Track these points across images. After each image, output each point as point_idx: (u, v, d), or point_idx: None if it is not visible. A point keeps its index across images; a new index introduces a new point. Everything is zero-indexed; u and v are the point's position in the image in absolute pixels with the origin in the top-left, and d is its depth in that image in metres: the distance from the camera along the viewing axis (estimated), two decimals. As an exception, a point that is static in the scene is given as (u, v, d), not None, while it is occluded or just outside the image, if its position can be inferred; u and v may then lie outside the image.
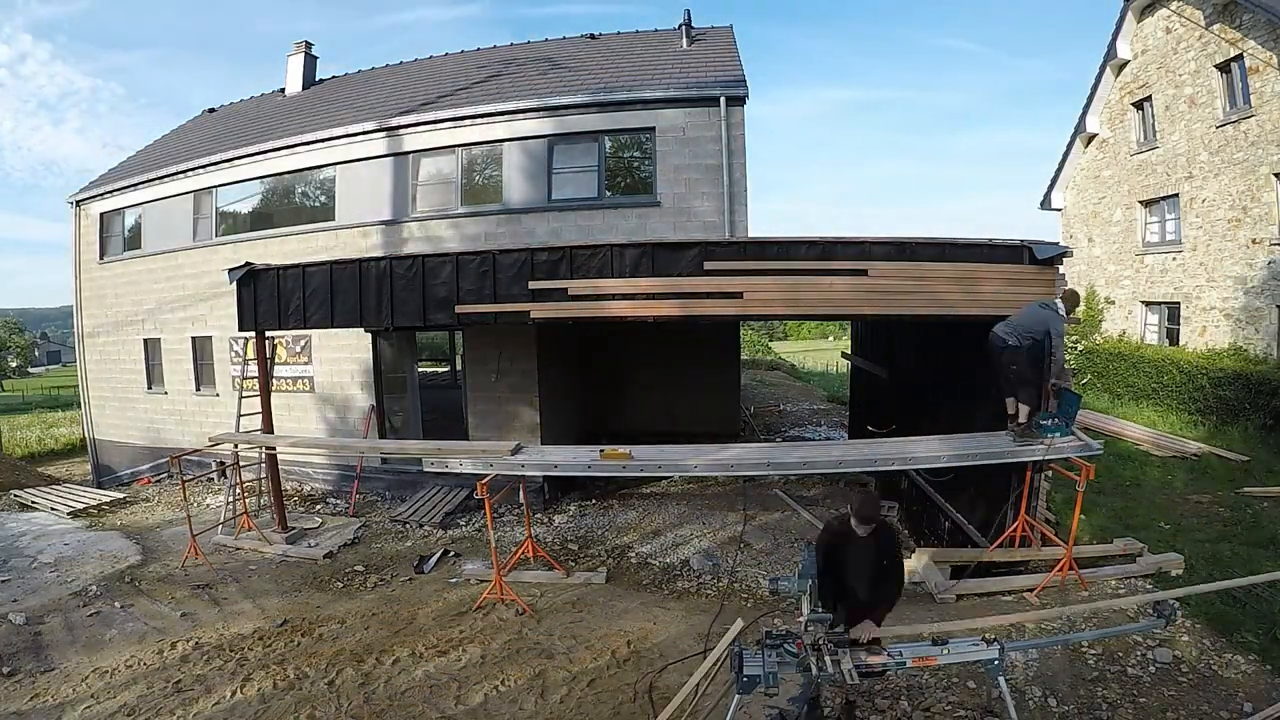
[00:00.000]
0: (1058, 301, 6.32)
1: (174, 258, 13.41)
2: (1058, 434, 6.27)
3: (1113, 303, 16.39)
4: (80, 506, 10.81)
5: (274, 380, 11.54)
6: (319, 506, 11.10)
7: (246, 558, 8.43)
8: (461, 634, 5.92)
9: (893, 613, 6.05)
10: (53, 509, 10.74)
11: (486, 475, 6.58)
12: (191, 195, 13.28)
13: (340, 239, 11.43)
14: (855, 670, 3.46)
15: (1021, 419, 6.45)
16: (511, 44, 15.43)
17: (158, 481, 13.28)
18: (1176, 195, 14.14)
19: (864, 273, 6.56)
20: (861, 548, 3.94)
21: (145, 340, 14.12)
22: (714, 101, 10.23)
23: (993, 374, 6.50)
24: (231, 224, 13.00)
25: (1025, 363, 6.28)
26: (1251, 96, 11.97)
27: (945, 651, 3.67)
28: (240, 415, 10.01)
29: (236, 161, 12.61)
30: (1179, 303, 14.16)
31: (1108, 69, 15.95)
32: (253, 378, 10.01)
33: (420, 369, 11.64)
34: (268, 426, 8.80)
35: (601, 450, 6.84)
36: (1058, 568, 6.09)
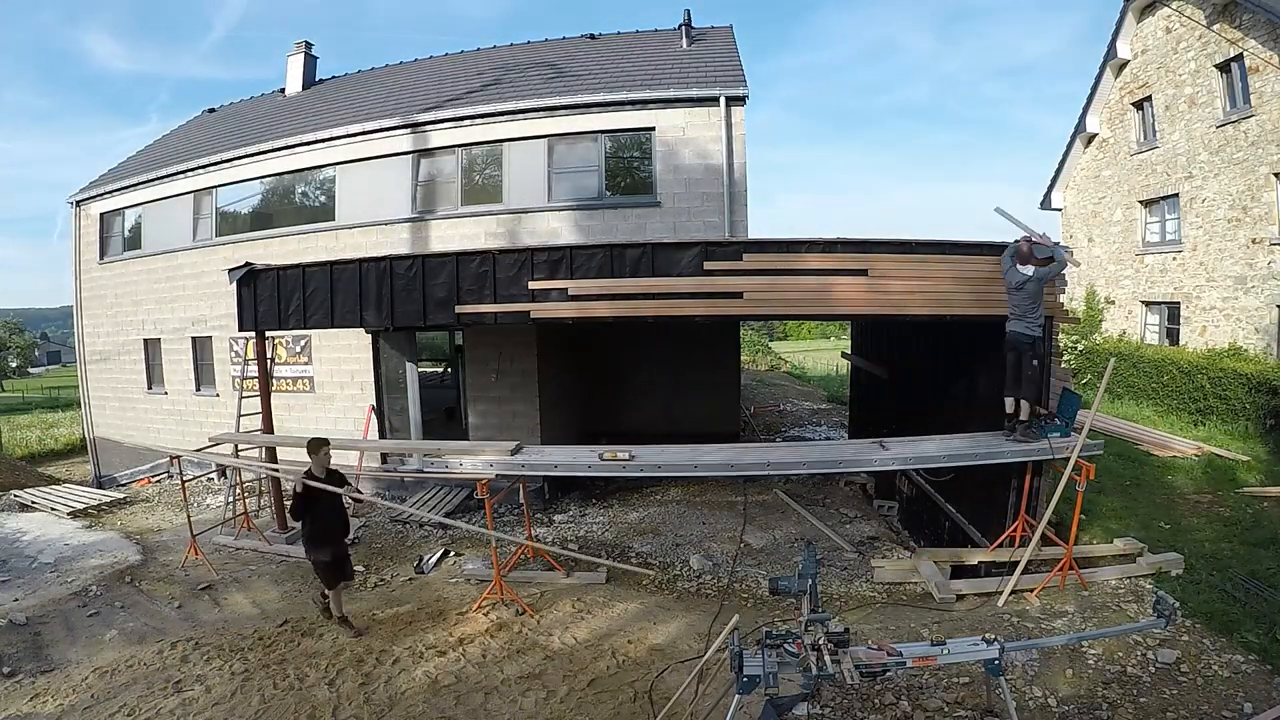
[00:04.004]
0: (1017, 267, 6.12)
1: (174, 258, 13.41)
2: (1058, 434, 6.27)
3: (1113, 303, 16.39)
4: (80, 507, 10.80)
5: (274, 380, 11.54)
6: (319, 506, 11.09)
7: (246, 558, 8.43)
8: (462, 634, 5.92)
9: (892, 613, 6.10)
10: (52, 509, 10.74)
11: (487, 475, 6.58)
12: (191, 195, 13.27)
13: (340, 239, 11.42)
14: (855, 670, 3.47)
15: (1024, 416, 6.40)
16: (512, 45, 15.44)
17: (157, 481, 13.27)
18: (1176, 195, 14.14)
19: (864, 272, 6.56)
20: None
21: (145, 340, 14.12)
22: (714, 101, 10.22)
23: (1001, 373, 6.43)
24: (231, 224, 12.99)
25: (1040, 350, 6.21)
26: (1251, 96, 11.97)
27: (945, 651, 3.68)
28: (240, 415, 10.01)
29: (236, 161, 12.61)
30: (1179, 303, 14.17)
31: (1107, 69, 15.95)
32: (253, 378, 10.01)
33: (420, 369, 11.62)
34: (268, 426, 8.80)
35: (602, 451, 6.84)
36: (1058, 567, 6.09)
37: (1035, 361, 6.22)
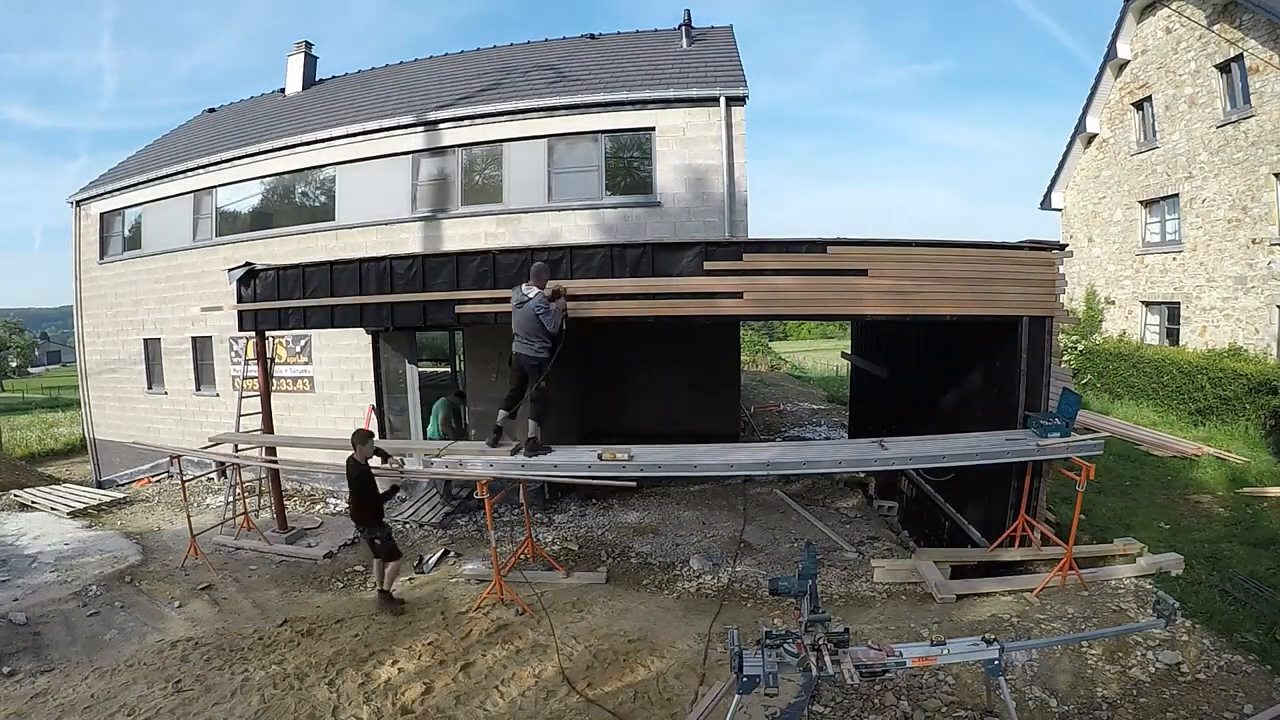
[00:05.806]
0: (522, 288, 6.34)
1: (174, 258, 13.41)
2: (1058, 434, 6.27)
3: (1113, 303, 16.39)
4: (80, 506, 10.80)
5: (274, 380, 11.54)
6: (319, 506, 11.11)
7: (246, 557, 8.42)
8: (462, 634, 5.92)
9: (894, 612, 6.10)
10: (52, 509, 10.73)
11: (486, 475, 6.57)
12: (191, 195, 13.27)
13: (340, 239, 11.42)
14: (855, 671, 3.46)
15: (532, 433, 6.69)
16: (512, 44, 15.43)
17: (157, 481, 13.27)
18: (1176, 195, 14.15)
19: (864, 272, 6.55)
20: None
21: (145, 340, 14.12)
22: (714, 101, 10.22)
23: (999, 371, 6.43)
24: (232, 224, 12.99)
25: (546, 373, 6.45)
26: (1251, 96, 11.97)
27: (945, 651, 3.68)
28: (240, 415, 10.00)
29: (236, 161, 12.60)
30: (1179, 303, 14.17)
31: (1107, 69, 15.96)
32: (253, 378, 10.01)
33: (420, 369, 11.62)
34: (268, 426, 8.80)
35: (601, 452, 6.84)
36: (1058, 568, 6.09)
37: (542, 384, 6.53)
